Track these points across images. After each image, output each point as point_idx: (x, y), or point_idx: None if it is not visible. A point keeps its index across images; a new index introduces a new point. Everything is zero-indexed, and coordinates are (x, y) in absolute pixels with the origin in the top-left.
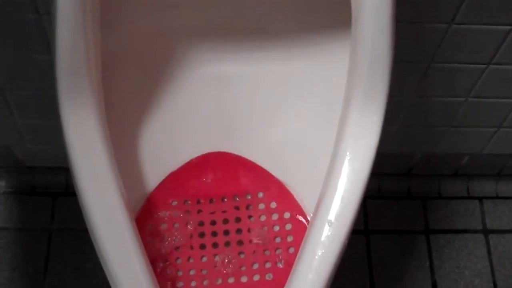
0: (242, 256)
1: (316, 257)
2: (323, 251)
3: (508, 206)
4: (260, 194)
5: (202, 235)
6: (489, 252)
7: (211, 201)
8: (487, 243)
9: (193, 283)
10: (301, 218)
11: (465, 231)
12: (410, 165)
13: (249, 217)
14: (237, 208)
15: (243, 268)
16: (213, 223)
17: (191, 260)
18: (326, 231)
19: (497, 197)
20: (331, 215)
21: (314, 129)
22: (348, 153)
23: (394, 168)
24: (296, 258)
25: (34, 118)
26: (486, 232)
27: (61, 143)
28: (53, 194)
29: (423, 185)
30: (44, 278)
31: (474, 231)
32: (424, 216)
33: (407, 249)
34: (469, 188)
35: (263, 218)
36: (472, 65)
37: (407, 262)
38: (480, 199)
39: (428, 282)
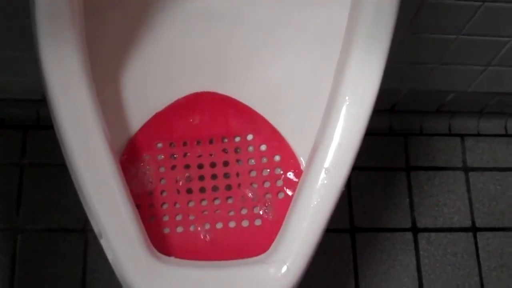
0: (230, 201)
1: (312, 205)
2: (319, 199)
3: (489, 144)
4: (250, 137)
5: (188, 179)
6: (468, 190)
7: (198, 143)
8: (467, 180)
9: (179, 229)
10: (292, 162)
11: (445, 168)
12: (393, 101)
13: (238, 160)
14: (225, 151)
15: (231, 214)
16: (200, 166)
17: (178, 205)
18: (322, 179)
19: (479, 135)
20: (328, 163)
21: (310, 70)
22: (347, 98)
23: (377, 104)
24: (291, 206)
25: (3, 48)
26: (466, 169)
27: (32, 75)
28: (24, 127)
29: (405, 122)
30: (16, 214)
31: (455, 169)
32: (405, 152)
33: (387, 186)
34: (451, 125)
35: (252, 161)
36: (467, 2)
37: (386, 199)
38: (462, 136)
39: (408, 219)
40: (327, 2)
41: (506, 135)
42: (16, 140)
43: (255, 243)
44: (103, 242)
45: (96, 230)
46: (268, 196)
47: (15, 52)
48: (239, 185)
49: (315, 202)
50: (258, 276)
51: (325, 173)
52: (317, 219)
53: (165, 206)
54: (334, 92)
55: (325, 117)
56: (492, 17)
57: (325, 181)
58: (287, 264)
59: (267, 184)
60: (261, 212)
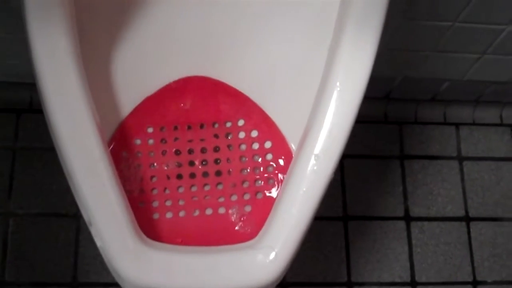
0: (220, 187)
1: (301, 191)
2: (308, 186)
3: (484, 133)
4: (241, 122)
5: (179, 164)
6: (462, 179)
7: (189, 128)
8: (461, 170)
9: (168, 215)
10: (283, 148)
11: (439, 157)
12: (388, 89)
13: (229, 146)
14: (216, 136)
15: (221, 200)
16: (191, 151)
17: (167, 191)
18: (312, 165)
19: (474, 124)
20: (318, 149)
21: (301, 55)
22: (338, 84)
23: (372, 92)
24: (280, 192)
25: None
26: (460, 158)
27: (25, 58)
28: (17, 111)
29: (400, 110)
30: (8, 198)
31: (449, 158)
32: (400, 141)
33: (381, 174)
34: (446, 113)
35: (243, 147)
36: None
37: (380, 187)
38: (457, 125)
39: (401, 208)
40: None
41: (501, 125)
42: (9, 123)
43: (244, 229)
44: (92, 229)
45: (85, 218)
46: (259, 182)
47: (7, 34)
48: (229, 171)
49: (304, 189)
50: (246, 262)
51: (315, 160)
52: (306, 205)
53: (155, 192)
54: (325, 78)
55: (316, 103)
56: (488, 5)
57: (315, 167)
58: (275, 250)
59: (257, 170)
60: (251, 199)
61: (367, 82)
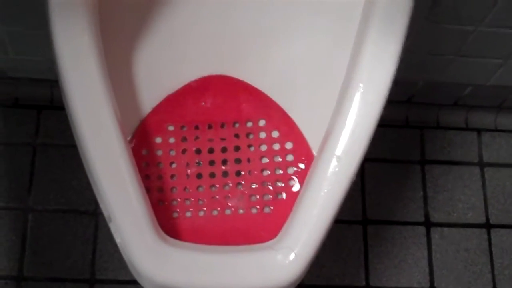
0: (240, 187)
1: (322, 193)
2: (329, 187)
3: (506, 140)
4: (262, 122)
5: (199, 163)
6: (484, 186)
7: (209, 127)
8: (483, 176)
9: (188, 214)
10: (304, 149)
11: (461, 163)
12: (411, 93)
13: (249, 146)
14: (237, 136)
15: (241, 200)
16: (211, 151)
17: (187, 190)
18: (334, 166)
19: (496, 130)
20: (339, 150)
21: (324, 56)
22: (361, 85)
23: (394, 95)
24: (301, 193)
25: (18, 25)
26: (482, 165)
27: (47, 54)
28: (38, 107)
29: (422, 114)
30: (28, 194)
31: (470, 164)
32: (421, 145)
33: (401, 179)
34: (468, 119)
35: (264, 148)
36: None
37: (400, 192)
38: (479, 131)
39: (421, 213)
40: None
41: None
42: (30, 119)
43: (264, 229)
44: (112, 226)
45: (105, 214)
46: (279, 183)
47: (29, 30)
48: (249, 171)
49: (326, 190)
50: (266, 262)
51: (337, 161)
52: (327, 207)
53: (174, 191)
54: (348, 79)
55: (338, 104)
56: None
57: (336, 169)
58: (295, 251)
59: (278, 171)
60: (271, 200)
61: (390, 84)
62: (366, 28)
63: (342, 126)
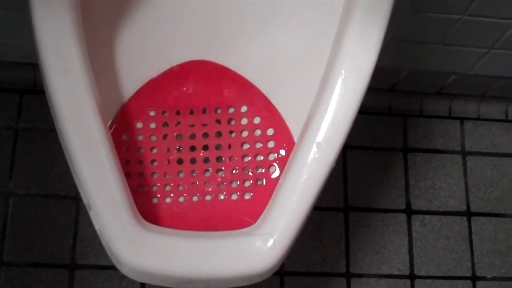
0: (221, 173)
1: (302, 179)
2: (309, 174)
3: (489, 129)
4: (244, 108)
5: (180, 149)
6: (465, 174)
7: (191, 112)
8: (464, 164)
9: (168, 200)
10: (285, 136)
11: (443, 151)
12: (394, 81)
13: (231, 132)
14: (218, 121)
15: (222, 186)
16: (192, 136)
17: (168, 176)
18: (314, 153)
19: (479, 119)
20: (320, 137)
21: (307, 43)
22: (343, 72)
23: (378, 83)
24: (280, 179)
25: (0, 8)
26: (464, 153)
27: (29, 37)
28: (20, 91)
29: (405, 102)
30: (9, 179)
31: (452, 152)
32: (404, 133)
33: (383, 167)
34: (451, 107)
35: (245, 134)
36: None
37: (382, 179)
38: (461, 119)
39: (402, 200)
40: None
41: (506, 121)
42: (11, 103)
43: (243, 215)
44: (91, 213)
45: (85, 201)
46: (260, 170)
47: (11, 13)
48: (230, 158)
49: (305, 177)
50: (244, 248)
51: (317, 147)
52: (306, 193)
53: (155, 176)
54: (330, 65)
55: (319, 90)
56: None
57: (316, 155)
58: (273, 237)
59: (259, 158)
60: (251, 186)
61: (372, 70)
62: (349, 16)
63: (323, 112)
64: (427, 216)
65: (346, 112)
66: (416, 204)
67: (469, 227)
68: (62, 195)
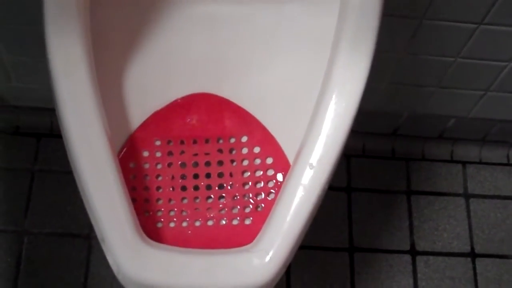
0: (222, 200)
1: (296, 199)
2: (302, 193)
3: (490, 172)
4: (244, 138)
5: (183, 177)
6: (469, 216)
7: (194, 142)
8: (467, 207)
9: (171, 224)
10: (283, 164)
11: (446, 194)
12: (396, 125)
13: (232, 161)
14: (220, 151)
15: (223, 212)
16: (196, 165)
17: (172, 202)
18: (307, 174)
19: (480, 163)
20: (313, 158)
21: (302, 75)
22: (333, 97)
23: (380, 128)
24: (276, 200)
25: (21, 54)
26: (467, 196)
27: (47, 83)
28: (37, 135)
29: (407, 146)
30: (24, 218)
31: (455, 195)
32: (407, 177)
33: (387, 209)
34: (453, 151)
35: (245, 162)
36: (462, 24)
37: (387, 221)
38: (464, 163)
39: (407, 242)
40: (320, 11)
41: (508, 164)
42: (29, 147)
43: (243, 238)
44: (104, 247)
45: (98, 235)
46: (260, 196)
47: (30, 58)
48: (231, 185)
49: (299, 196)
50: (242, 264)
51: (310, 168)
52: (300, 212)
53: (159, 202)
54: (322, 92)
55: (312, 115)
56: (489, 41)
57: (310, 176)
58: (270, 254)
59: (259, 185)
60: (251, 211)
61: (361, 95)
62: (338, 45)
63: (316, 135)
64: (431, 257)
65: (337, 134)
66: (421, 245)
67: (474, 268)
68: (75, 234)
